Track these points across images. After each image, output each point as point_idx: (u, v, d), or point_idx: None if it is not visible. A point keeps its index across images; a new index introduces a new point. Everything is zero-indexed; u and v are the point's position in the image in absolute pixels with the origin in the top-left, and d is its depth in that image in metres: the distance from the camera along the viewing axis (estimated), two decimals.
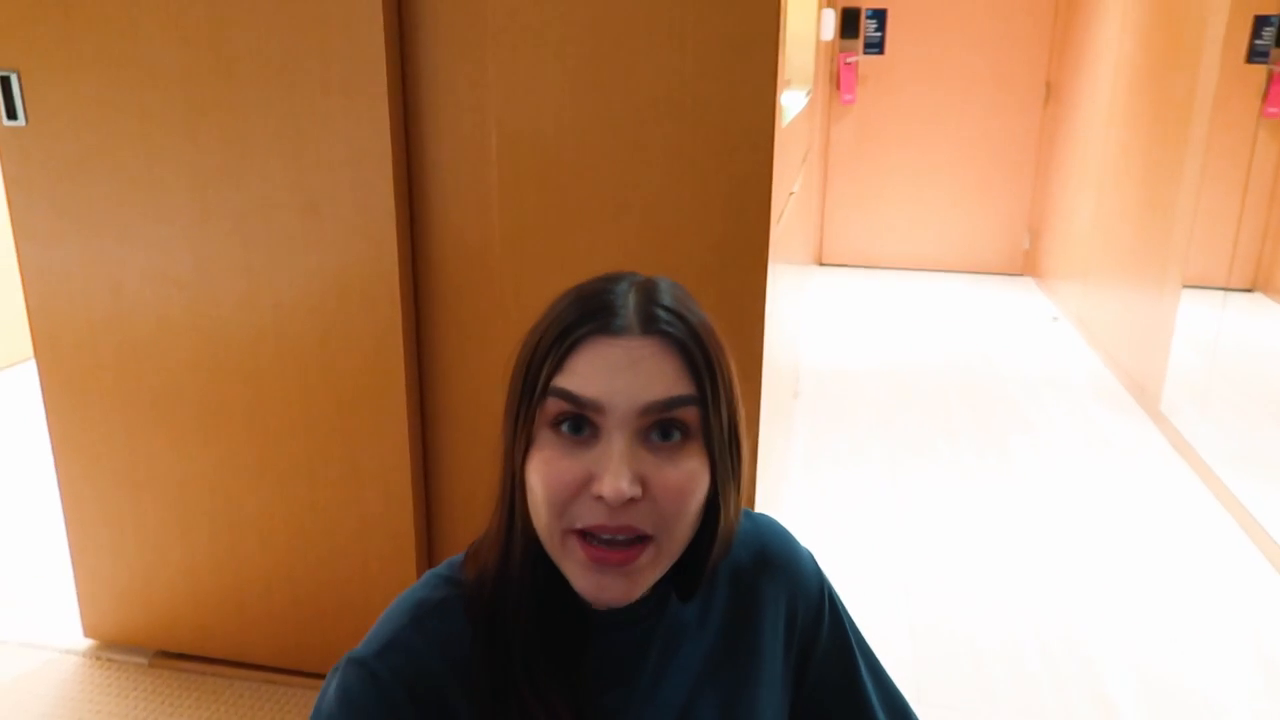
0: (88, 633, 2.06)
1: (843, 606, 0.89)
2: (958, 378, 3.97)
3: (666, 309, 0.71)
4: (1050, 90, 5.46)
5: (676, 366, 0.69)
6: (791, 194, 2.22)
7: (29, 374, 3.39)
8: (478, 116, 1.63)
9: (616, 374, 0.68)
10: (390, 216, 1.66)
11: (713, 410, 0.70)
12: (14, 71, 1.75)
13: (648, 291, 0.72)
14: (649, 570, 0.70)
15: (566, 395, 0.68)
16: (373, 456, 1.79)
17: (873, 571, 2.44)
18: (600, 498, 0.67)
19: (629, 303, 0.71)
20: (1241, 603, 2.33)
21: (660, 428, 0.69)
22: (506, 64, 1.59)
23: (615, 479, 0.66)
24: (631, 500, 0.67)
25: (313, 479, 1.83)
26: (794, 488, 2.92)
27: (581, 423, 0.68)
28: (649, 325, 0.70)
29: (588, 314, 0.70)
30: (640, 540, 0.68)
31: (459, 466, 1.84)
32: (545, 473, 0.68)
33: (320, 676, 1.95)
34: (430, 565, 1.80)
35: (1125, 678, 2.03)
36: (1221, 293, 3.18)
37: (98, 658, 2.03)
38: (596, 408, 0.68)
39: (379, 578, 1.86)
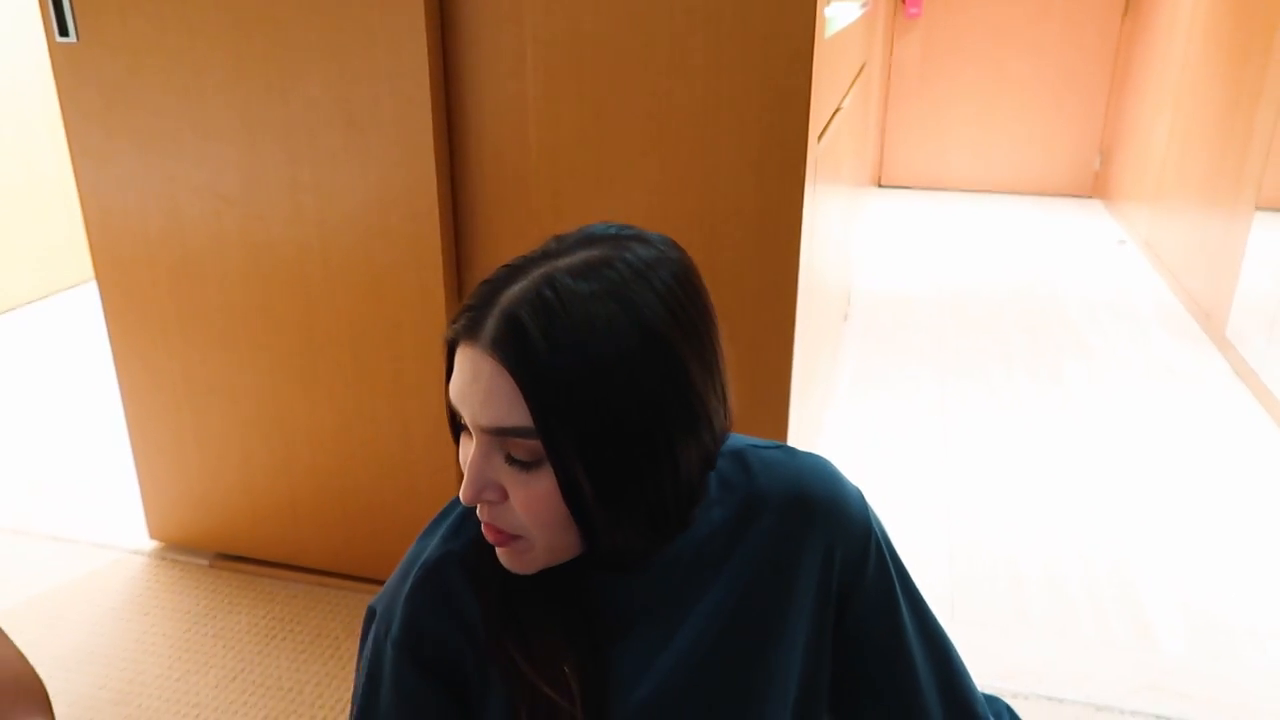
0: (153, 534, 2.17)
1: (891, 549, 0.84)
2: (1017, 303, 3.88)
3: (520, 328, 0.62)
4: (1129, 2, 5.18)
5: (511, 392, 0.63)
6: (839, 110, 2.16)
7: (89, 295, 3.52)
8: (515, 28, 1.61)
9: (466, 386, 0.65)
10: (428, 129, 1.67)
11: (561, 440, 0.63)
12: None
13: (525, 296, 0.63)
14: (536, 554, 0.70)
15: (448, 391, 0.68)
16: (416, 368, 1.83)
17: (914, 494, 2.44)
18: None
19: (498, 304, 0.64)
20: None
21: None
22: None
23: (464, 487, 0.67)
24: (494, 502, 0.68)
25: (359, 389, 1.88)
26: (839, 410, 2.91)
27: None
28: (495, 342, 0.63)
29: (463, 309, 0.66)
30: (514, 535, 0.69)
31: None
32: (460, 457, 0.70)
33: (368, 580, 2.03)
34: None
35: (1168, 607, 2.01)
36: None
37: (162, 558, 2.14)
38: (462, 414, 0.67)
39: (424, 486, 1.92)
